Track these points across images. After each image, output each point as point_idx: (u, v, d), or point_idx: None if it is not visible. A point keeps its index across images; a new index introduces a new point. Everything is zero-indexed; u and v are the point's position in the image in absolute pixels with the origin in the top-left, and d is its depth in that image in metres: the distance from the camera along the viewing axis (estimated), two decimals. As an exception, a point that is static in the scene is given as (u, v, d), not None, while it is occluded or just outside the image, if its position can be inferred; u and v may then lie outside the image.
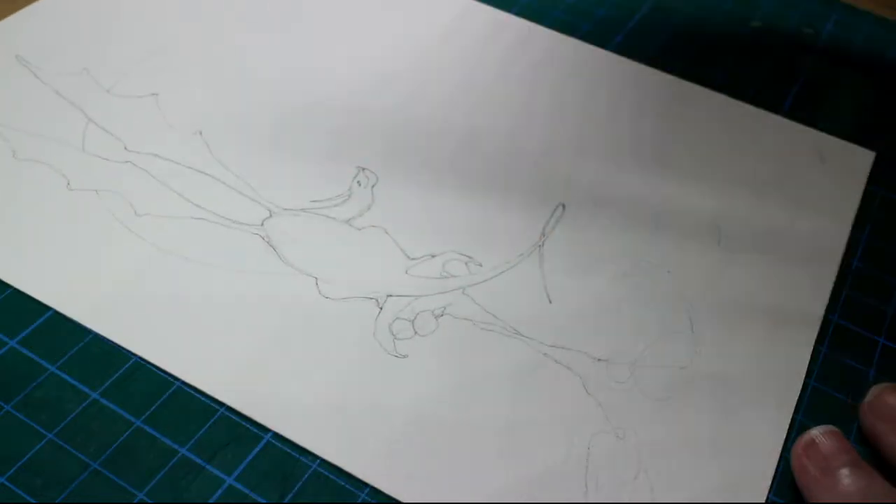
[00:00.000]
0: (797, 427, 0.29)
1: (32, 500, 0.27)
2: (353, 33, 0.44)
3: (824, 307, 0.33)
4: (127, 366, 0.30)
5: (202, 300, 0.32)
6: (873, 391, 0.29)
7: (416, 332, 0.31)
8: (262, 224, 0.34)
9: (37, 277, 0.32)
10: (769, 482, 0.28)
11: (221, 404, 0.29)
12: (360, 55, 0.42)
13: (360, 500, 0.27)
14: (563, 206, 0.36)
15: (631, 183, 0.37)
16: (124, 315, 0.31)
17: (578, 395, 0.30)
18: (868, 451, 0.29)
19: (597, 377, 0.30)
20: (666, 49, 0.44)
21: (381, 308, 0.32)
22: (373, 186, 0.36)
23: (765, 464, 0.28)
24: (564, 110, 0.40)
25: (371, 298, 0.32)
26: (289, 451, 0.28)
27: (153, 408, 0.29)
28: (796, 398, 0.30)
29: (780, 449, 0.29)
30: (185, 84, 0.40)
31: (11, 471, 0.27)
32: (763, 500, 0.28)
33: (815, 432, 0.28)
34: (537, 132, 0.39)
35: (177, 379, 0.29)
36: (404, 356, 0.31)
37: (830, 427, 0.28)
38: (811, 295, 0.34)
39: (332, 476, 0.27)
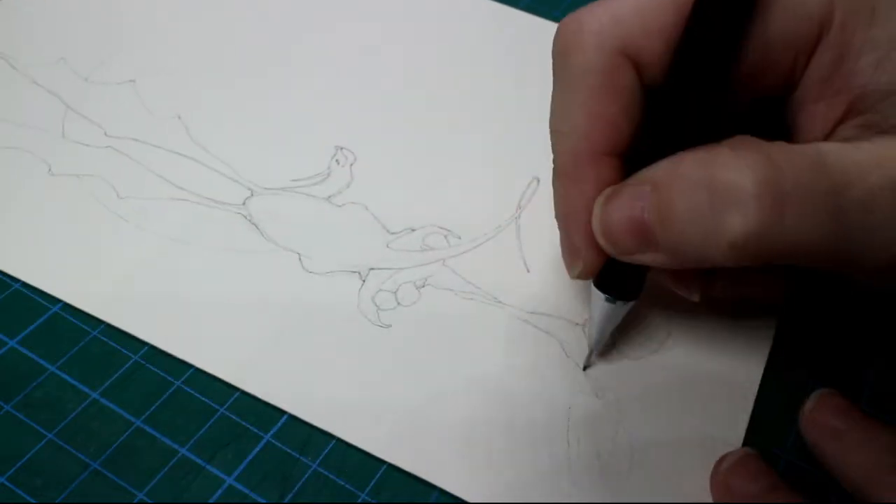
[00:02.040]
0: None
1: (32, 500, 0.27)
2: (331, 15, 0.44)
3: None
4: (127, 366, 0.30)
5: (186, 279, 0.32)
6: (812, 398, 0.28)
7: (398, 303, 0.32)
8: (244, 203, 0.35)
9: (15, 258, 0.33)
10: (743, 431, 0.29)
11: (221, 404, 0.29)
12: (334, 35, 0.43)
13: (360, 500, 0.27)
14: (538, 179, 0.37)
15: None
16: (103, 293, 0.32)
17: (558, 358, 0.31)
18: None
19: (576, 341, 0.31)
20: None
21: (363, 281, 0.33)
22: (351, 165, 0.37)
23: (740, 413, 0.29)
24: (534, 87, 0.41)
25: (354, 272, 0.33)
26: (289, 450, 0.28)
27: (153, 408, 0.29)
28: (768, 349, 0.31)
29: (753, 397, 0.30)
30: (162, 69, 0.40)
31: (11, 471, 0.27)
32: (740, 442, 0.29)
33: (731, 459, 0.27)
34: (510, 109, 0.40)
35: (177, 379, 0.30)
36: (388, 326, 0.31)
37: (746, 450, 0.28)
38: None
39: (331, 476, 0.28)
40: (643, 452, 0.28)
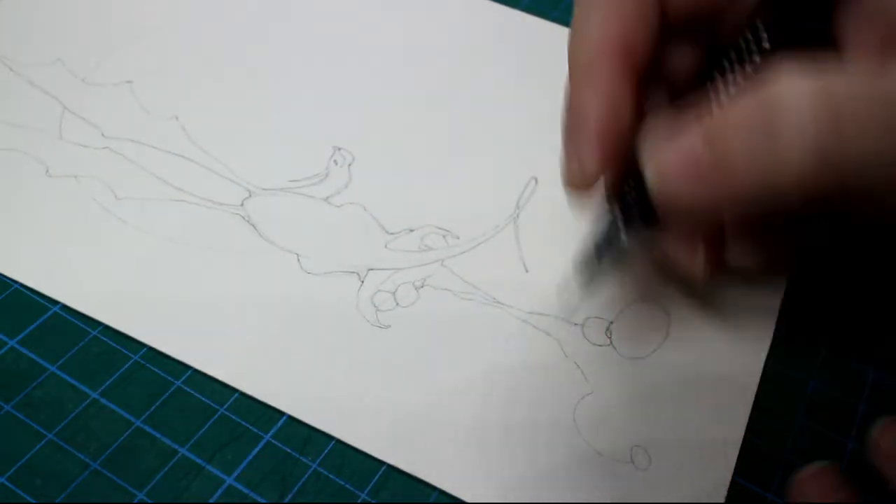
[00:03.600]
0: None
1: (32, 500, 0.27)
2: (329, 15, 0.44)
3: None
4: (127, 366, 0.30)
5: (184, 280, 0.32)
6: (877, 428, 0.28)
7: (397, 304, 0.32)
8: (242, 204, 0.35)
9: (12, 260, 0.32)
10: (743, 431, 0.29)
11: (221, 404, 0.29)
12: (333, 35, 0.43)
13: (360, 500, 0.27)
14: (536, 179, 0.37)
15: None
16: (101, 295, 0.32)
17: (557, 358, 0.31)
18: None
19: (574, 340, 0.31)
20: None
21: (362, 281, 0.33)
22: (349, 165, 0.37)
23: (739, 413, 0.30)
24: (533, 89, 0.41)
25: (352, 272, 0.33)
26: (289, 450, 0.28)
27: (153, 408, 0.29)
28: (767, 346, 0.31)
29: (753, 397, 0.30)
30: (160, 70, 0.40)
31: (11, 471, 0.27)
32: (739, 441, 0.29)
33: (807, 473, 0.27)
34: (509, 109, 0.40)
35: (177, 379, 0.30)
36: (387, 326, 0.31)
37: (822, 465, 0.27)
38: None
39: (331, 476, 0.28)
40: (643, 452, 0.28)
